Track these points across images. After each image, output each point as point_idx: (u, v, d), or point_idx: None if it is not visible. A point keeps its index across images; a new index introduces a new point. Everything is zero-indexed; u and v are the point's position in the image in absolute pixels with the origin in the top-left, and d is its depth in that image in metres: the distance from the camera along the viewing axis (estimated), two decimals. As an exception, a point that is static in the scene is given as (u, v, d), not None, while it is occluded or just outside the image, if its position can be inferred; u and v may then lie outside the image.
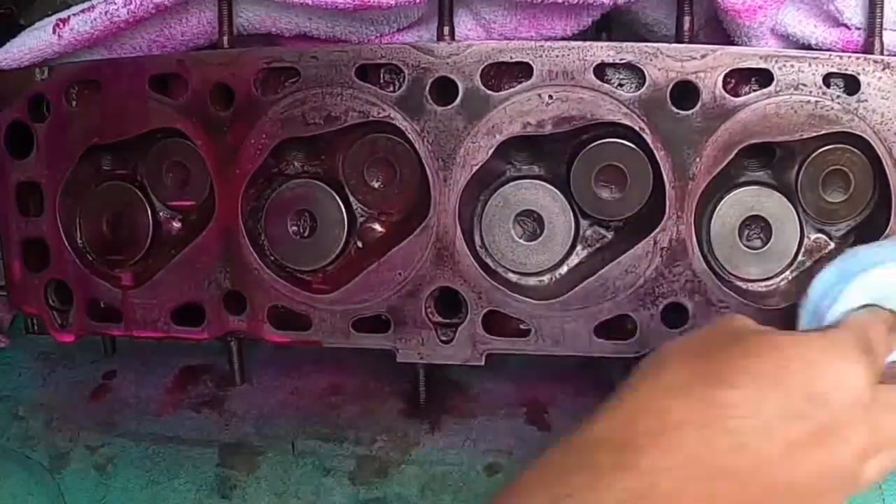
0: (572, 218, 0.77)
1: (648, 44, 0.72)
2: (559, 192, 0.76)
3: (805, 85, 0.71)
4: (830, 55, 0.71)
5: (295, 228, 0.79)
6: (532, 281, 0.78)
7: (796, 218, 0.75)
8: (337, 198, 0.78)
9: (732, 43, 0.76)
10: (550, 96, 0.72)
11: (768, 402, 0.50)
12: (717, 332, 0.56)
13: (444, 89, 0.73)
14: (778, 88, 0.71)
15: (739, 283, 0.76)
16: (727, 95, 0.71)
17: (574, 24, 0.78)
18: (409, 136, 0.74)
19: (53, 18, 0.78)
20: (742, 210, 0.75)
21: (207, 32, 0.80)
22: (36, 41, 0.79)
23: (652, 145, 0.72)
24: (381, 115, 0.75)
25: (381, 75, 0.77)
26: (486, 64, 0.73)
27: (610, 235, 0.78)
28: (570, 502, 0.47)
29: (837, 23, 0.73)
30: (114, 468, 0.83)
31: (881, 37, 0.71)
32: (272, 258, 0.80)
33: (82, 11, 0.77)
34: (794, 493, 0.50)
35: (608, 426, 0.52)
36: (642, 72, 0.72)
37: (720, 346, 0.54)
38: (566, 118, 0.73)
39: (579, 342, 0.75)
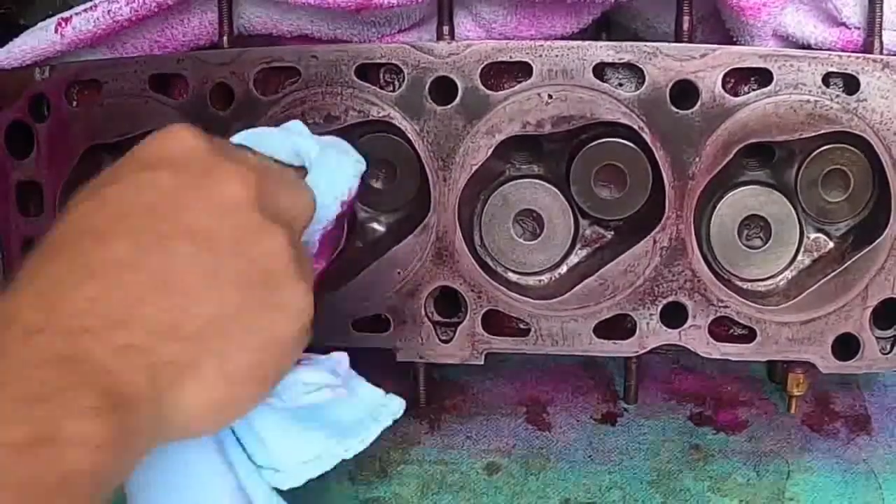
0: (572, 217, 0.77)
1: (648, 43, 0.72)
2: (559, 192, 0.77)
3: (804, 84, 0.71)
4: (830, 55, 0.71)
5: (295, 228, 0.79)
6: (531, 280, 0.78)
7: (796, 217, 0.76)
8: (337, 197, 0.79)
9: (733, 41, 0.76)
10: (550, 96, 0.72)
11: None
12: None
13: (444, 89, 0.74)
14: (777, 88, 0.71)
15: (739, 283, 0.77)
16: (727, 95, 0.71)
17: (574, 22, 0.78)
18: (409, 135, 0.75)
19: (56, 18, 0.78)
20: (741, 209, 0.76)
21: (209, 33, 0.80)
22: (38, 41, 0.79)
23: (651, 145, 0.72)
24: (380, 115, 0.75)
25: (381, 75, 0.77)
26: (485, 63, 0.73)
27: (609, 235, 0.78)
28: None
29: (836, 22, 0.73)
30: (114, 468, 0.83)
31: (880, 36, 0.71)
32: (272, 257, 0.80)
33: (85, 10, 0.77)
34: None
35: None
36: (642, 71, 0.72)
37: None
38: (565, 117, 0.73)
39: (579, 341, 0.76)
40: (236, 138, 0.62)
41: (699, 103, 0.71)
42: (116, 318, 0.46)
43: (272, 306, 0.52)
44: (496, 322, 0.77)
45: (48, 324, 0.45)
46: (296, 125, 0.64)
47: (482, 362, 0.77)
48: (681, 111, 0.72)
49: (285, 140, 0.62)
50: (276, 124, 0.75)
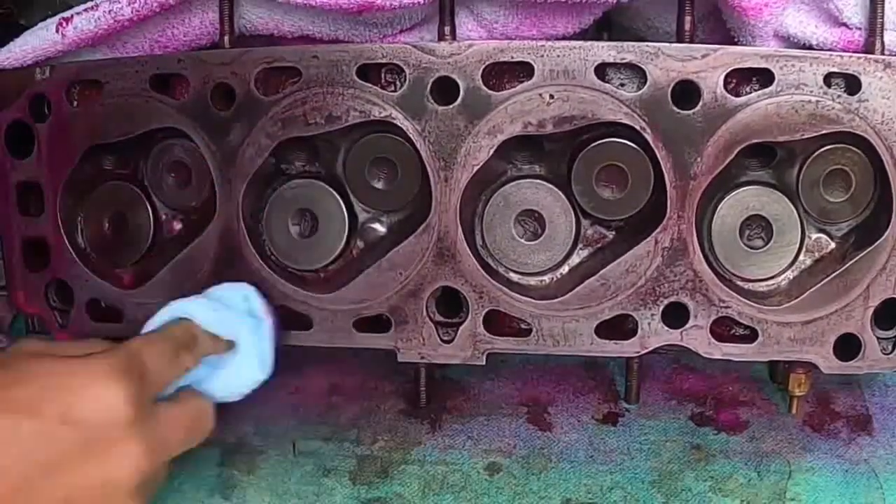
0: (573, 217, 0.77)
1: (649, 43, 0.72)
2: (560, 192, 0.76)
3: (806, 85, 0.71)
4: (831, 55, 0.71)
5: (296, 228, 0.79)
6: (533, 280, 0.78)
7: (797, 217, 0.76)
8: (338, 197, 0.79)
9: (734, 41, 0.76)
10: (551, 96, 0.72)
11: (24, 428, 0.53)
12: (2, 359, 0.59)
13: (446, 89, 0.74)
14: (779, 88, 0.71)
15: (740, 283, 0.76)
16: (728, 95, 0.71)
17: (576, 22, 0.78)
18: (411, 135, 0.74)
19: (57, 18, 0.78)
20: (743, 210, 0.76)
21: (210, 34, 0.80)
22: (39, 40, 0.79)
23: (653, 145, 0.72)
24: (382, 115, 0.75)
25: (383, 75, 0.77)
26: (487, 63, 0.73)
27: (611, 235, 0.78)
28: None
29: (838, 22, 0.73)
30: (114, 468, 0.82)
31: (882, 36, 0.71)
32: (273, 258, 0.80)
33: (86, 10, 0.77)
34: None
35: None
36: (643, 71, 0.72)
37: None
38: (567, 118, 0.73)
39: (580, 342, 0.76)
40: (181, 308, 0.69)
41: (701, 104, 0.71)
42: None
43: None
44: (497, 322, 0.77)
45: None
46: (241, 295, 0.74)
47: (483, 363, 0.77)
48: (682, 111, 0.72)
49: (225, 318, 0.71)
50: (278, 123, 0.75)
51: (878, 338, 0.74)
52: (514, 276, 0.78)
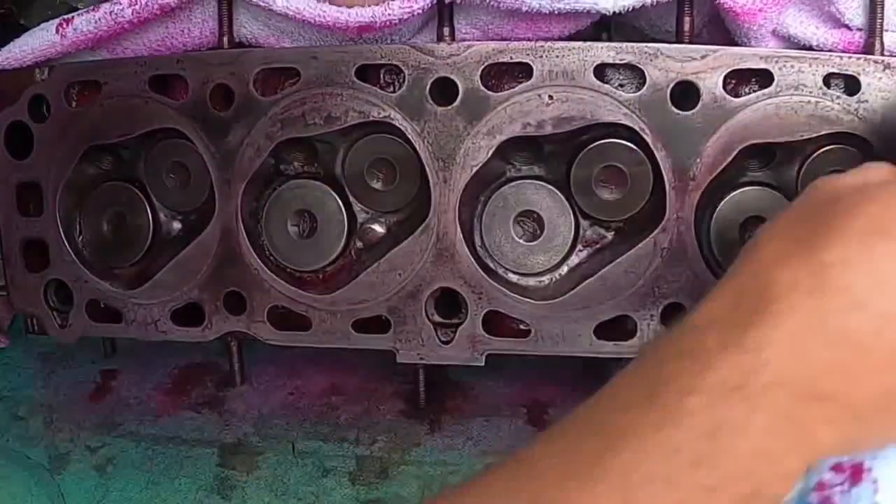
0: (572, 218, 0.77)
1: (649, 44, 0.72)
2: (559, 193, 0.76)
3: (805, 85, 0.70)
4: (831, 56, 0.71)
5: (295, 229, 0.79)
6: (532, 281, 0.78)
7: (797, 218, 0.75)
8: (337, 198, 0.78)
9: (734, 43, 0.76)
10: (550, 97, 0.72)
11: (880, 256, 0.44)
12: (814, 196, 0.52)
13: (444, 90, 0.73)
14: (778, 89, 0.71)
15: (740, 284, 0.76)
16: (727, 96, 0.71)
17: (572, 26, 0.77)
18: (410, 136, 0.74)
19: (57, 19, 0.78)
20: (742, 211, 0.75)
21: (211, 43, 0.80)
22: (39, 41, 0.78)
23: (652, 146, 0.72)
24: (381, 116, 0.75)
25: (381, 76, 0.77)
26: (486, 64, 0.73)
27: (610, 236, 0.78)
28: (668, 389, 0.44)
29: (839, 24, 0.73)
30: (114, 468, 0.83)
31: (881, 37, 0.71)
32: (272, 259, 0.80)
33: (86, 12, 0.77)
34: None
35: (710, 309, 0.47)
36: (642, 72, 0.71)
37: (818, 208, 0.49)
38: (566, 118, 0.72)
39: (579, 342, 0.75)
40: None
41: (700, 104, 0.71)
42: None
43: None
44: (497, 323, 0.77)
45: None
46: None
47: (483, 363, 0.77)
48: (682, 112, 0.71)
49: None
50: (277, 124, 0.75)
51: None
52: (513, 277, 0.78)
